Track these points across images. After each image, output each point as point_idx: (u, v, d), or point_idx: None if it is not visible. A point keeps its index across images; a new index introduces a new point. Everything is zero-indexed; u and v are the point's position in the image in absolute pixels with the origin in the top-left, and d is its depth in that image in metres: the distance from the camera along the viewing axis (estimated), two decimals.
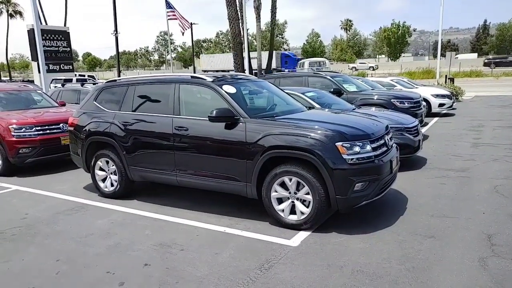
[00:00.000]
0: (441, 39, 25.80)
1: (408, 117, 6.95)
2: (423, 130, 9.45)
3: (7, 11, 52.05)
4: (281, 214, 4.13)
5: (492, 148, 7.72)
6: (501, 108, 14.40)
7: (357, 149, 3.89)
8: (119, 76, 21.79)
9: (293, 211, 4.10)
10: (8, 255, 3.77)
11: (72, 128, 5.74)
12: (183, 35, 27.52)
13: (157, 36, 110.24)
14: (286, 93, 5.75)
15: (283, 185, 4.10)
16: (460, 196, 5.01)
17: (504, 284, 2.96)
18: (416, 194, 5.11)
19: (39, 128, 6.91)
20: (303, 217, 4.02)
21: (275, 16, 29.92)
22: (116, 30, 21.66)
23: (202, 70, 49.05)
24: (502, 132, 9.46)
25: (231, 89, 4.62)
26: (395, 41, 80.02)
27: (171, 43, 57.49)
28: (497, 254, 3.43)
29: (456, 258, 3.39)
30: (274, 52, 35.85)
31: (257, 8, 27.55)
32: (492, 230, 3.92)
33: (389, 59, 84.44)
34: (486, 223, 4.11)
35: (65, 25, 33.84)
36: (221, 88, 4.58)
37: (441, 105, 12.77)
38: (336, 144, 3.84)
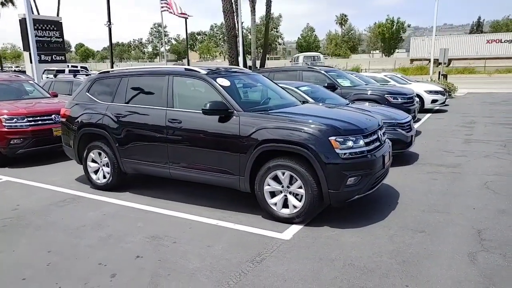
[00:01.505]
0: (435, 36, 25.84)
1: (401, 113, 6.99)
2: (416, 125, 9.52)
3: None
4: (274, 207, 4.14)
5: (483, 145, 7.81)
6: (493, 105, 14.55)
7: (350, 143, 3.90)
8: (112, 67, 21.53)
9: (285, 204, 4.11)
10: None
11: (64, 119, 5.69)
12: (170, 13, 27.05)
13: (151, 28, 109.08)
14: (280, 87, 5.74)
15: (276, 179, 4.10)
16: (451, 192, 5.06)
17: (492, 278, 3.01)
18: (408, 189, 5.16)
19: (31, 119, 6.83)
20: (295, 210, 4.03)
21: (270, 10, 29.68)
22: (109, 21, 21.35)
23: (411, 60, 37.17)
24: (493, 129, 9.57)
25: (225, 82, 4.60)
26: (389, 37, 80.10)
27: (165, 35, 56.74)
28: (486, 248, 3.48)
29: (446, 252, 3.43)
30: None
31: (252, 1, 27.27)
32: (482, 225, 3.97)
33: (383, 54, 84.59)
34: (476, 218, 4.17)
35: (58, 15, 33.35)
36: (215, 81, 4.55)
37: (434, 101, 12.87)
38: (330, 138, 3.85)
